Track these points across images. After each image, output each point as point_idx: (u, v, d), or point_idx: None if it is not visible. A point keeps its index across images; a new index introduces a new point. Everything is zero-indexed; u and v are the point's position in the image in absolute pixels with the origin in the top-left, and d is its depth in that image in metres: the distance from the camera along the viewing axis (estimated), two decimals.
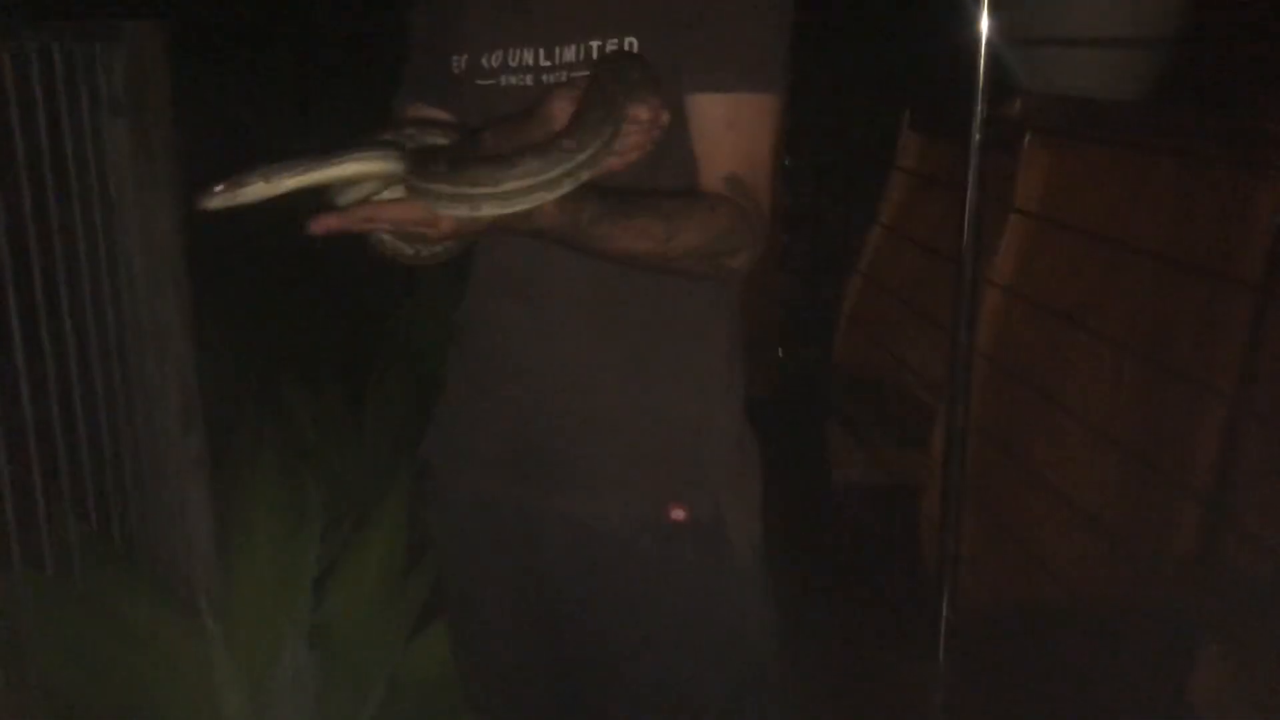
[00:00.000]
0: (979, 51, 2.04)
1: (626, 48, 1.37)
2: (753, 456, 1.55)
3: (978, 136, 2.00)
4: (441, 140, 1.37)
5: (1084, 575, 2.34)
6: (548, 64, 1.41)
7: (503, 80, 1.44)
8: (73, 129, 2.35)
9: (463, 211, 1.18)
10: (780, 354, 3.42)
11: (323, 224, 1.22)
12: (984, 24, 2.07)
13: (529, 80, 1.41)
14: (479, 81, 1.45)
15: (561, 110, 1.23)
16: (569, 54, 1.39)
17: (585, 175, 1.18)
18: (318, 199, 1.35)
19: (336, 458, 3.52)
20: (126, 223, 2.48)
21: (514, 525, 1.56)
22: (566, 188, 1.18)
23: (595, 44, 1.37)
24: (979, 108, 2.01)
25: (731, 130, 1.37)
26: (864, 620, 2.68)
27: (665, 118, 1.21)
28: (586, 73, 1.30)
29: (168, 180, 2.57)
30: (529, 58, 1.42)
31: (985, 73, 2.04)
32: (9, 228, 2.20)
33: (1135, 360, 2.28)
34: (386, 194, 1.30)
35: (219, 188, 1.21)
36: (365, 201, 1.27)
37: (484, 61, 1.45)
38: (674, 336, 1.50)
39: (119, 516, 2.50)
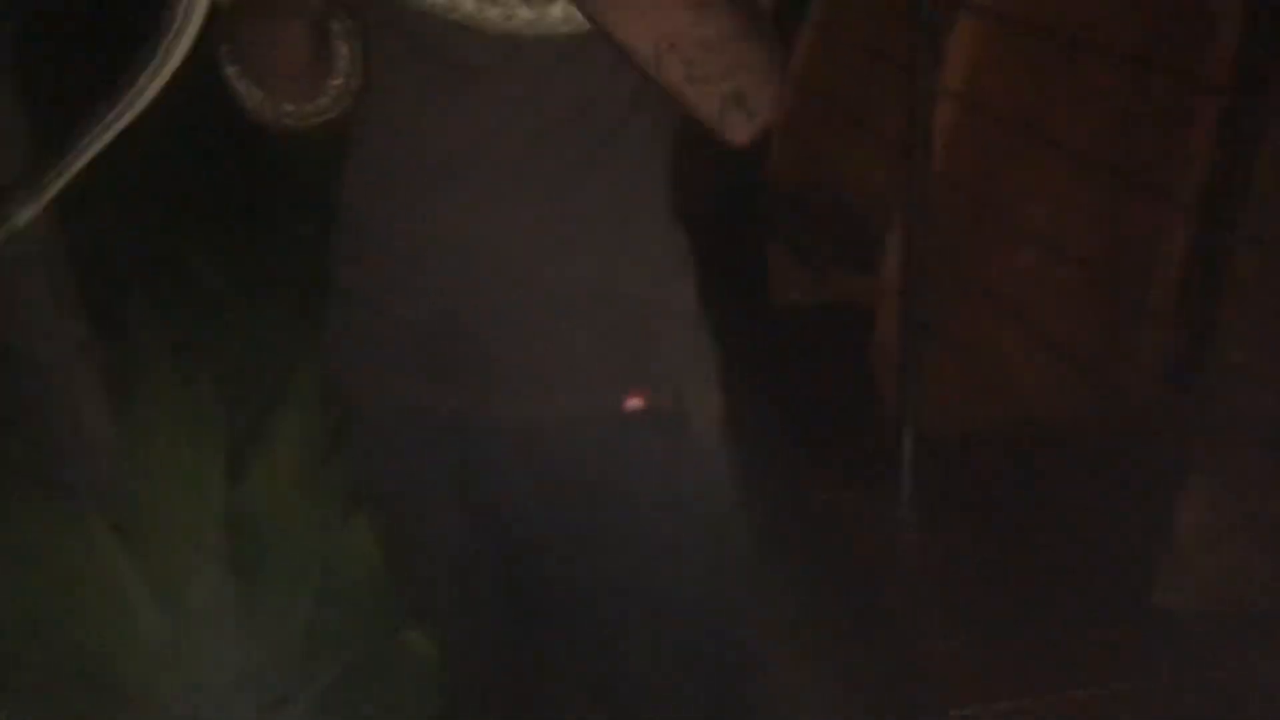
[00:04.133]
0: None
1: None
2: (707, 333, 1.42)
3: None
4: None
5: (1048, 399, 2.24)
6: None
7: None
8: None
9: None
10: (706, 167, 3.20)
11: None
12: None
13: None
14: None
15: None
16: None
17: None
18: None
19: (244, 310, 3.29)
20: None
21: (448, 435, 1.42)
22: None
23: None
24: None
25: None
26: (817, 452, 2.56)
27: None
28: None
29: None
30: None
31: None
32: None
33: (1096, 171, 2.10)
34: None
35: None
36: None
37: None
38: (618, 204, 1.35)
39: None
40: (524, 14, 1.18)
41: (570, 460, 1.39)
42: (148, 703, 2.02)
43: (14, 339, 2.36)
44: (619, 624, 1.48)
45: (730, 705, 1.54)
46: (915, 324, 1.93)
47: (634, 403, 1.36)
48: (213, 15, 1.12)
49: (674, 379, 1.39)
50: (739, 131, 1.19)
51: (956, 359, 2.24)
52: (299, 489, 2.22)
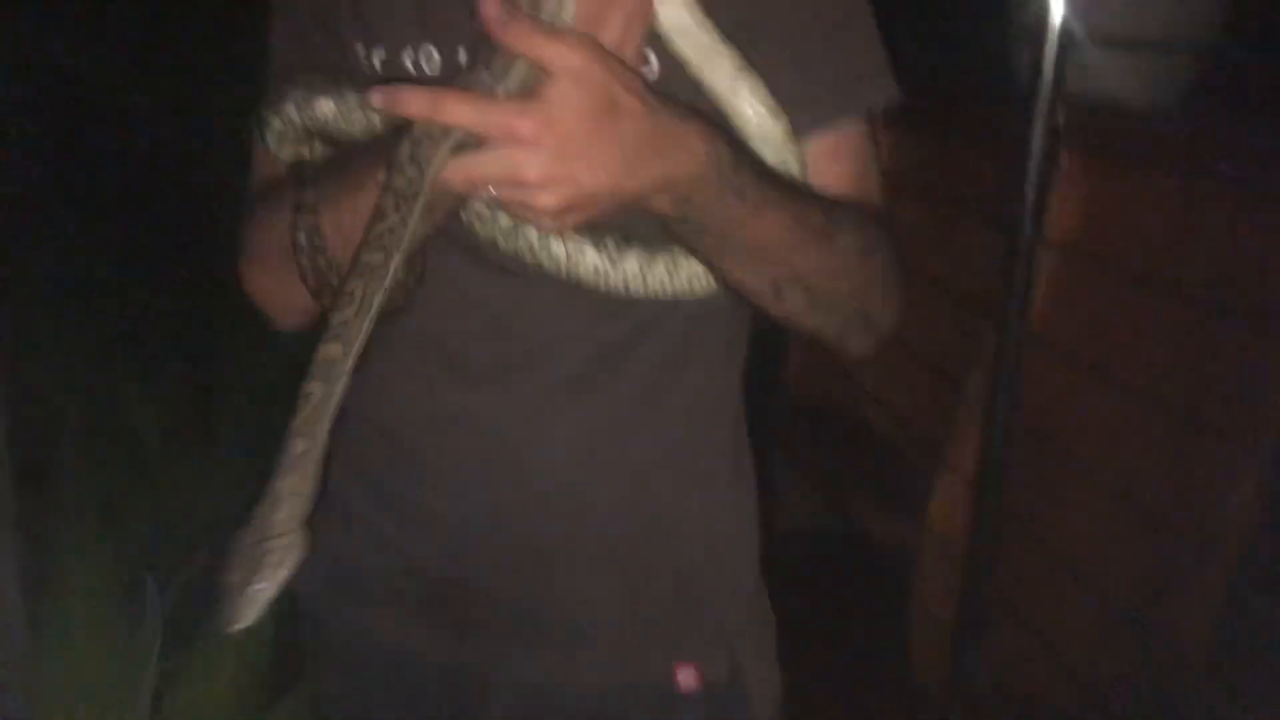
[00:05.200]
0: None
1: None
2: (764, 589, 1.28)
3: (1037, 154, 1.53)
4: None
5: (1109, 669, 1.98)
6: None
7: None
8: None
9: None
10: None
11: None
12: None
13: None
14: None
15: None
16: None
17: None
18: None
19: (187, 475, 2.96)
20: None
21: (445, 694, 1.22)
22: None
23: None
24: (1042, 100, 1.49)
25: (836, 163, 1.09)
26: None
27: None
28: None
29: None
30: None
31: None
32: None
33: (1167, 420, 1.92)
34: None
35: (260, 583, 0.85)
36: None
37: (409, 59, 1.09)
38: (686, 433, 1.18)
39: None
40: (592, 259, 1.05)
41: None
42: None
43: None
44: None
45: None
46: (978, 597, 1.68)
47: (686, 678, 1.18)
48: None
49: (732, 649, 1.20)
50: (858, 347, 1.10)
51: (1006, 617, 1.98)
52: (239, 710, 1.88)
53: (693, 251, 1.02)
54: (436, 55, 1.08)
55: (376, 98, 0.84)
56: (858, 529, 2.57)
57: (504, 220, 1.04)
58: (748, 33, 1.04)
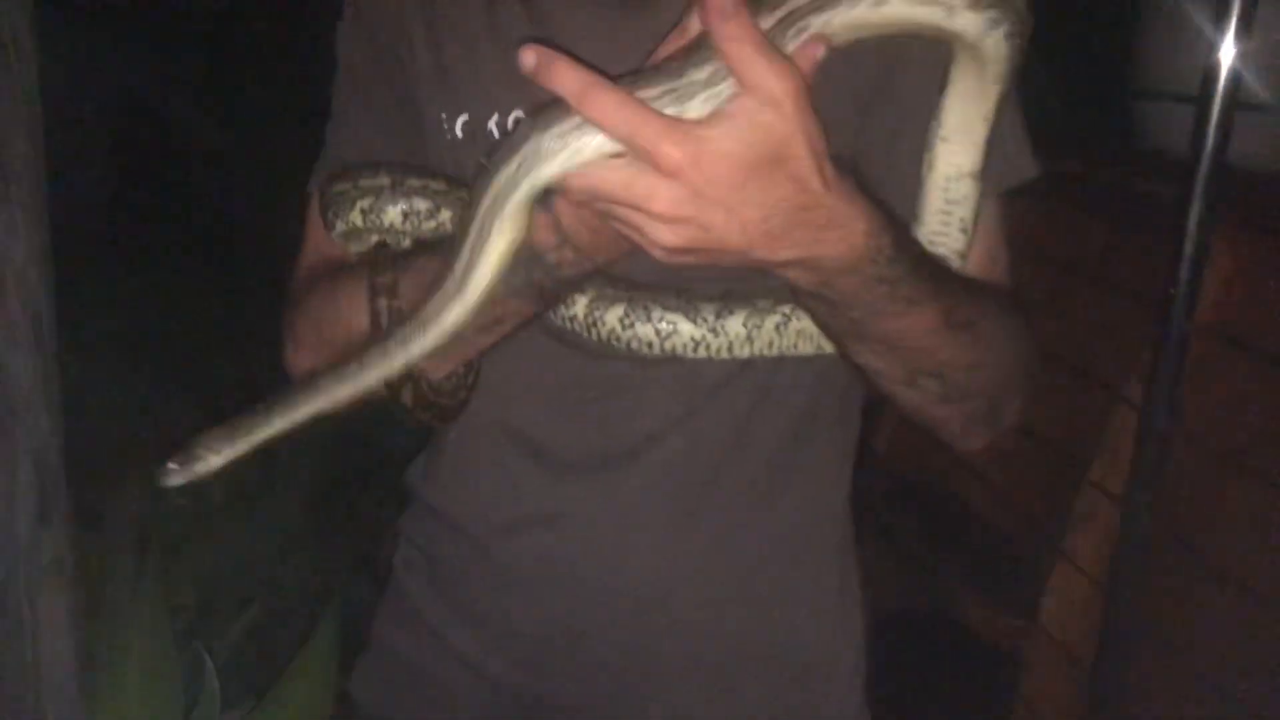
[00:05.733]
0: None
1: None
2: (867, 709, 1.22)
3: (1194, 230, 1.39)
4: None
5: None
6: None
7: None
8: None
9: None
10: None
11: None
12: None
13: None
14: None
15: None
16: None
17: None
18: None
19: (245, 519, 2.88)
20: None
21: None
22: None
23: None
24: (1203, 173, 1.35)
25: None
26: None
27: None
28: None
29: (29, 193, 1.92)
30: None
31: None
32: None
33: None
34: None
35: (173, 464, 0.98)
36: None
37: (495, 125, 1.04)
38: (787, 545, 1.12)
39: None
40: (688, 333, 0.96)
41: None
42: None
43: None
44: None
45: None
46: (1108, 707, 1.52)
47: None
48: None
49: None
50: (977, 441, 1.02)
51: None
52: None
53: (817, 324, 0.93)
54: None
55: (529, 58, 0.71)
56: (951, 615, 2.40)
57: (580, 310, 0.96)
58: (886, 102, 0.97)
